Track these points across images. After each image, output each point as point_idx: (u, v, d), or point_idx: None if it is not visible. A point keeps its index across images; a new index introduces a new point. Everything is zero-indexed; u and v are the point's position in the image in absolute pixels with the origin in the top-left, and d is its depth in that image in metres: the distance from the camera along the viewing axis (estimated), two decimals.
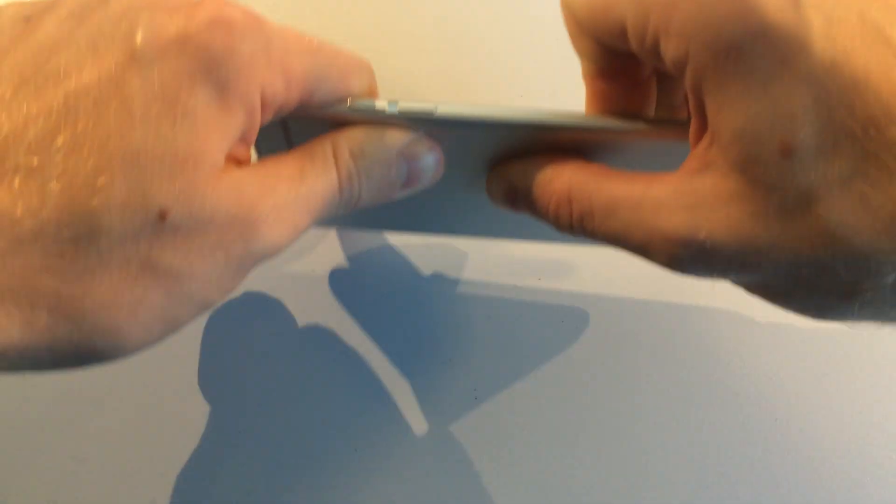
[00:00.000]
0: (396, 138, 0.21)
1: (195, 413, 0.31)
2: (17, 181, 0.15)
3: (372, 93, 0.22)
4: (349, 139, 0.21)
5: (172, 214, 0.16)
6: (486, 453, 0.31)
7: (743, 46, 0.15)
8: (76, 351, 0.16)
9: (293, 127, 0.22)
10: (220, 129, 0.17)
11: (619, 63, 0.21)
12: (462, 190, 0.25)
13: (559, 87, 0.38)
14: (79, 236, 0.16)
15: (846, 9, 0.15)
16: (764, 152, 0.15)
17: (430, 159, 0.22)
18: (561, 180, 0.20)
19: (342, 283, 0.34)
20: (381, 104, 0.20)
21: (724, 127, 0.16)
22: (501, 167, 0.23)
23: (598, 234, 0.20)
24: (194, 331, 0.32)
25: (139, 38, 0.16)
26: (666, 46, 0.17)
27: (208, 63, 0.17)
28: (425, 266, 0.35)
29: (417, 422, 0.32)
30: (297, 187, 0.19)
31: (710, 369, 0.33)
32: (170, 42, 0.17)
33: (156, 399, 0.31)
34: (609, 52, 0.20)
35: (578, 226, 0.20)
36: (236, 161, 0.19)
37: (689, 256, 0.17)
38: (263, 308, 0.33)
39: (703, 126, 0.17)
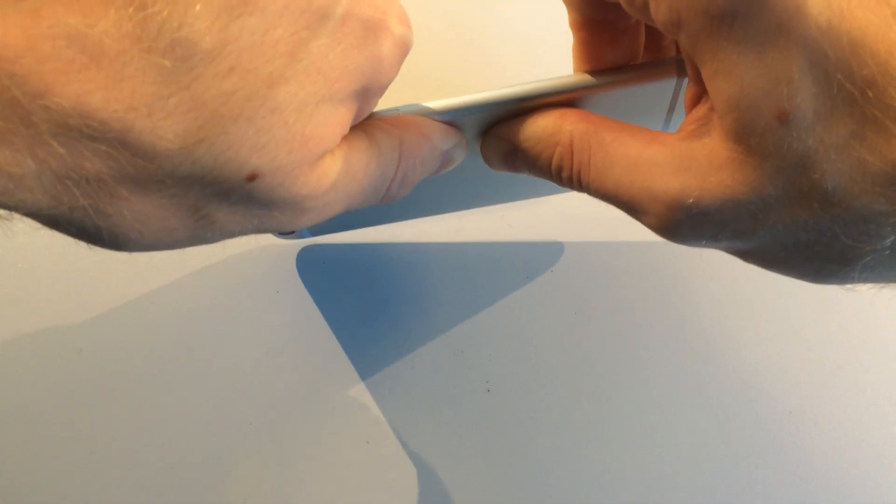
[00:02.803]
0: (443, 138, 0.21)
1: (205, 407, 0.31)
2: (167, 63, 0.13)
3: None
4: (414, 142, 0.20)
5: (257, 182, 0.15)
6: (498, 446, 0.31)
7: (737, 12, 0.15)
8: (84, 225, 0.15)
9: None
10: (346, 124, 0.17)
11: (605, 12, 0.20)
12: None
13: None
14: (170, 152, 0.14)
15: None
16: (760, 120, 0.15)
17: (459, 150, 0.22)
18: (563, 131, 0.20)
19: (352, 277, 0.34)
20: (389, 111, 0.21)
21: (719, 95, 0.16)
22: (496, 129, 0.22)
23: (591, 190, 0.19)
24: (199, 326, 0.32)
25: None
26: (656, 9, 0.16)
27: (377, 64, 0.17)
28: (435, 259, 0.35)
29: (430, 414, 0.31)
30: (360, 186, 0.19)
31: (724, 363, 0.33)
32: (363, 19, 0.16)
33: (160, 393, 0.31)
34: (595, 1, 0.20)
35: (577, 179, 0.20)
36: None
37: (676, 220, 0.17)
38: (271, 298, 0.33)
39: (701, 88, 0.17)
